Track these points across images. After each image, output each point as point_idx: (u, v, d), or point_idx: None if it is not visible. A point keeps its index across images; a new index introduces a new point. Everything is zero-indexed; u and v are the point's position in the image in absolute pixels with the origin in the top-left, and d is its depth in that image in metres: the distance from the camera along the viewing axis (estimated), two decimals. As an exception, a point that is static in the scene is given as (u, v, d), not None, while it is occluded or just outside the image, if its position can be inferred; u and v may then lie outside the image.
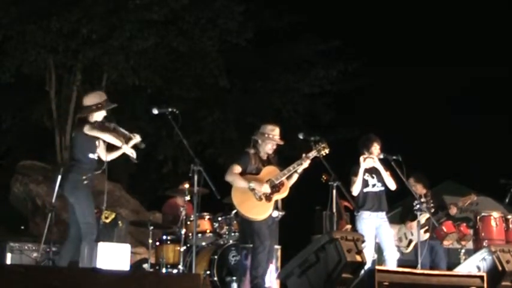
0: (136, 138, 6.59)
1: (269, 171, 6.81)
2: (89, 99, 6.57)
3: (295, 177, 6.91)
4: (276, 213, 6.85)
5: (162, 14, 12.06)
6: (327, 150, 6.90)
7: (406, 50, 16.36)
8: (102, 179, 6.90)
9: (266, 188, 6.69)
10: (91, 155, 6.47)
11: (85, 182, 6.41)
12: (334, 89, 14.78)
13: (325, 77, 14.64)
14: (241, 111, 14.43)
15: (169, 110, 6.64)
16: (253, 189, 6.67)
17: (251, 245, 6.77)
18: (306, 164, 6.83)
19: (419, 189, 8.62)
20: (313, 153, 6.84)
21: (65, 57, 12.16)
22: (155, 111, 6.70)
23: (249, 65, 14.53)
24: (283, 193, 6.83)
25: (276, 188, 6.75)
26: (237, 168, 6.74)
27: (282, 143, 6.95)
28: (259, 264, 6.64)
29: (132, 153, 6.57)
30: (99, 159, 6.62)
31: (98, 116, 6.53)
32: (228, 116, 14.39)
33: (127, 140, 6.56)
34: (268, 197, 6.70)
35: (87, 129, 6.42)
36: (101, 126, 6.47)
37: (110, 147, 6.63)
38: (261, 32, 14.01)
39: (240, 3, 13.00)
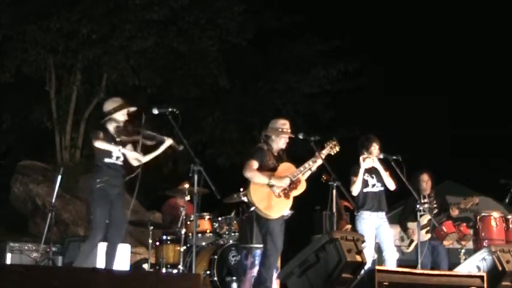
0: (168, 142, 6.63)
1: (285, 168, 6.74)
2: (106, 106, 6.70)
3: (307, 174, 6.88)
4: (286, 212, 6.82)
5: (162, 14, 12.06)
6: (337, 148, 6.90)
7: (406, 49, 16.35)
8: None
9: (287, 181, 6.63)
10: (107, 160, 6.53)
11: (98, 185, 6.45)
12: (334, 89, 14.79)
13: (325, 77, 14.65)
14: (241, 111, 14.43)
15: (170, 109, 6.64)
16: (272, 186, 6.60)
17: (259, 245, 6.73)
18: (319, 162, 6.80)
19: (428, 187, 8.60)
20: (326, 151, 6.84)
21: (65, 57, 12.17)
22: (155, 111, 6.70)
23: (249, 65, 14.53)
24: (300, 190, 6.78)
25: (293, 185, 6.71)
26: (255, 164, 6.63)
27: (293, 136, 6.92)
28: (270, 266, 6.58)
29: (139, 157, 6.61)
30: (127, 164, 6.66)
31: (118, 120, 6.61)
32: (228, 116, 14.39)
33: (158, 143, 6.61)
34: (286, 194, 6.66)
35: (93, 140, 6.54)
36: (119, 131, 6.53)
37: (146, 149, 6.65)
38: (261, 32, 14.02)
39: (240, 3, 13.00)
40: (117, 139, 6.54)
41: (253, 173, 6.60)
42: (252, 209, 6.73)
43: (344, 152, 7.18)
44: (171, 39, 12.60)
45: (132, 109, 6.72)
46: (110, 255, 6.56)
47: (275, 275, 7.14)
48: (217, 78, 13.15)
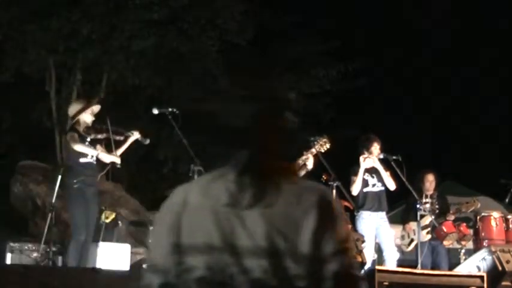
0: (135, 135, 6.70)
1: None
2: (71, 109, 6.91)
3: (302, 173, 6.88)
4: None
5: (162, 14, 12.06)
6: (328, 145, 6.88)
7: (406, 49, 16.35)
8: (103, 179, 7.01)
9: None
10: (82, 159, 6.63)
11: (75, 185, 6.52)
12: (334, 89, 14.77)
13: (325, 77, 14.64)
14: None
15: (170, 110, 6.66)
16: None
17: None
18: (310, 160, 6.79)
19: (432, 188, 8.59)
20: (315, 149, 6.83)
21: (65, 57, 12.16)
22: (155, 111, 6.72)
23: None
24: None
25: None
26: None
27: None
28: None
29: (116, 159, 6.74)
30: (100, 161, 6.75)
31: (87, 120, 6.70)
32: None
33: (125, 138, 6.69)
34: None
35: (71, 143, 6.65)
36: (89, 131, 6.61)
37: (116, 144, 6.75)
38: (261, 32, 14.01)
39: (240, 3, 12.99)
40: (88, 138, 6.63)
41: None
42: None
43: (344, 152, 7.18)
44: (171, 39, 12.60)
45: (97, 107, 6.84)
46: (82, 255, 6.64)
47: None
48: (217, 78, 13.13)
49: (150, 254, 1.93)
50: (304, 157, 6.79)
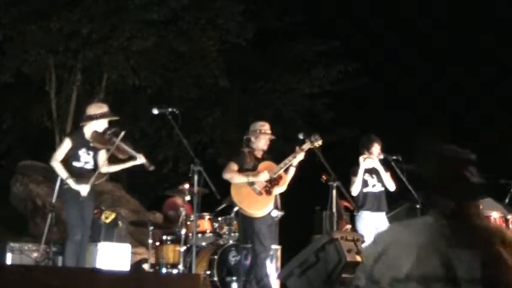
0: (140, 160, 6.64)
1: (265, 166, 6.81)
2: (92, 109, 6.68)
3: (291, 171, 6.90)
4: (275, 213, 6.85)
5: (162, 14, 12.07)
6: (320, 142, 6.88)
7: (405, 49, 16.35)
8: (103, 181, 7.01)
9: (265, 175, 6.66)
10: (75, 163, 6.52)
11: (65, 186, 6.48)
12: (334, 89, 14.79)
13: (325, 77, 14.66)
14: (241, 111, 14.44)
15: (170, 110, 6.66)
16: (252, 183, 6.65)
17: (251, 245, 6.77)
18: (300, 156, 6.81)
19: None
20: (306, 146, 6.84)
21: (65, 57, 12.17)
22: (155, 111, 6.71)
23: (249, 65, 14.54)
24: (282, 186, 6.82)
25: (274, 181, 6.75)
26: (234, 166, 6.74)
27: (273, 137, 6.98)
28: (263, 264, 6.63)
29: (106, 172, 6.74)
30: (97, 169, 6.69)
31: (98, 126, 6.60)
32: (228, 116, 14.40)
33: (129, 158, 6.64)
34: (268, 191, 6.69)
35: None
36: (95, 137, 6.55)
37: (114, 160, 6.69)
38: (261, 32, 14.02)
39: (240, 3, 13.01)
40: (91, 144, 6.56)
41: (231, 174, 6.70)
42: (236, 209, 6.77)
43: (344, 152, 7.17)
44: (171, 39, 12.61)
45: (115, 119, 6.76)
46: (79, 255, 6.64)
47: (275, 275, 7.14)
48: (217, 78, 13.16)
49: (363, 264, 2.52)
50: (294, 154, 6.81)
